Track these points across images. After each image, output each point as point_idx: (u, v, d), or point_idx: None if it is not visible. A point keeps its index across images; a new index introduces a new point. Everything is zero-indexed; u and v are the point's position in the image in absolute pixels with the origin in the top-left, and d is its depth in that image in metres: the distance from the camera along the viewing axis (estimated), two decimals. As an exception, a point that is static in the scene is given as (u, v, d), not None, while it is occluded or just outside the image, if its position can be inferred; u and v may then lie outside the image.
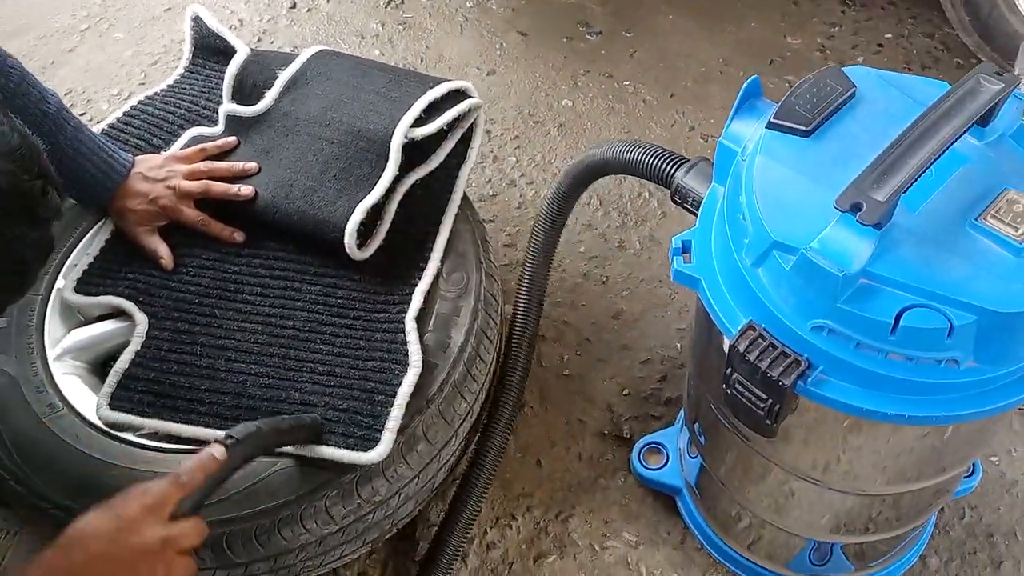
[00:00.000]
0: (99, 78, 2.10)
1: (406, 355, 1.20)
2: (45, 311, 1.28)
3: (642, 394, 1.49)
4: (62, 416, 1.15)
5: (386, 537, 1.28)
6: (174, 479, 0.89)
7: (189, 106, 1.51)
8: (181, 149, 1.39)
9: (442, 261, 1.32)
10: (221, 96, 1.46)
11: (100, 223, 1.36)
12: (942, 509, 1.34)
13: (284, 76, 1.42)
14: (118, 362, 1.20)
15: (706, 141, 1.85)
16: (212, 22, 1.57)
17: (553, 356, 1.55)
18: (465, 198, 1.42)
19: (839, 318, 0.74)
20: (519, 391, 1.37)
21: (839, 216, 0.73)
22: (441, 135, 1.39)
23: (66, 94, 2.05)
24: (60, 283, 1.30)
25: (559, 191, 1.32)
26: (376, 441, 1.12)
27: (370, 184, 1.29)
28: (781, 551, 1.20)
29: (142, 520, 0.85)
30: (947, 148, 0.73)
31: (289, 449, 1.11)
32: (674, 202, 1.05)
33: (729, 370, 0.83)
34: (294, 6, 2.23)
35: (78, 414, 1.16)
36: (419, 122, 1.32)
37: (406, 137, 1.30)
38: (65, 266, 1.32)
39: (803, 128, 0.81)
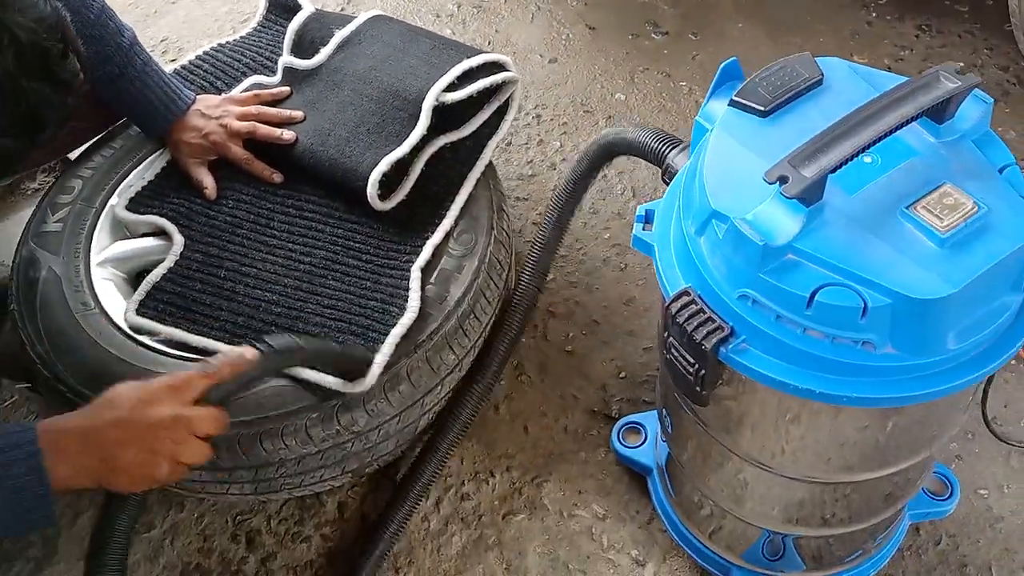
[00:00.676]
0: (194, 30, 2.26)
1: (406, 300, 1.27)
2: (96, 223, 1.41)
3: (638, 379, 1.52)
4: (93, 314, 1.28)
5: (366, 471, 1.36)
6: (202, 367, 0.97)
7: (255, 56, 1.63)
8: (240, 93, 1.51)
9: (456, 221, 1.39)
10: (283, 49, 1.57)
11: (158, 152, 1.48)
12: (917, 530, 1.32)
13: (340, 35, 1.52)
14: (151, 274, 1.31)
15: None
16: (290, -18, 1.69)
17: (559, 332, 1.59)
18: (491, 167, 1.49)
19: (761, 288, 0.77)
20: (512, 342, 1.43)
21: (776, 192, 0.76)
22: (477, 105, 1.47)
23: (162, 41, 2.23)
24: (114, 200, 1.43)
25: (576, 171, 1.37)
26: (362, 373, 1.20)
27: (399, 140, 1.37)
28: (739, 542, 1.22)
29: (164, 397, 0.93)
30: (886, 136, 0.74)
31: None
32: (664, 181, 1.09)
33: (666, 334, 0.87)
34: (378, -18, 2.34)
35: (106, 314, 1.28)
36: (452, 87, 1.39)
37: (437, 100, 1.37)
38: (121, 186, 1.45)
39: (761, 108, 0.84)
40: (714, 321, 0.80)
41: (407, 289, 1.29)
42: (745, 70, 0.95)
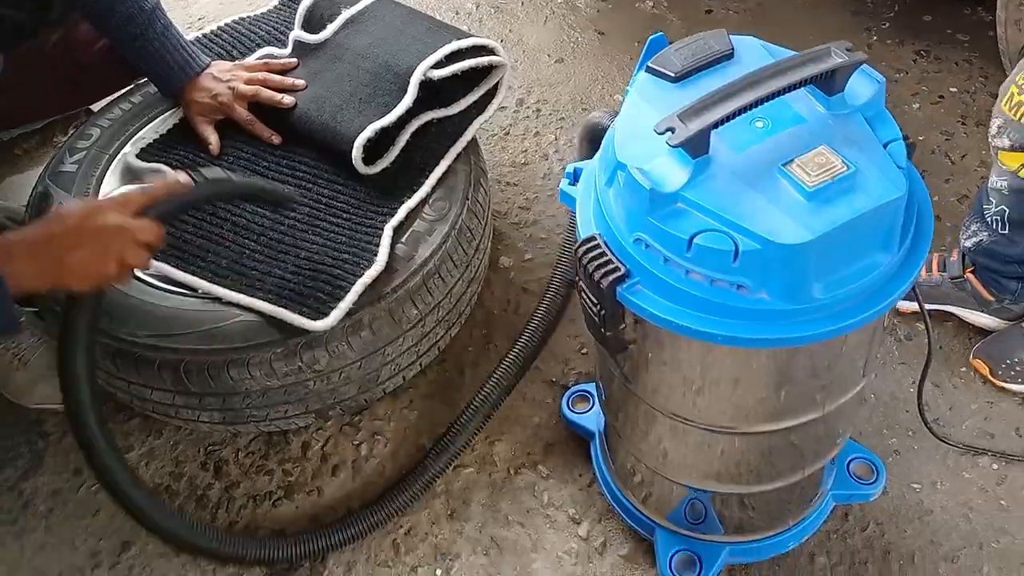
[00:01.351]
0: (230, 9, 2.41)
1: (375, 254, 1.37)
2: (108, 168, 1.55)
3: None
4: (93, 245, 1.40)
5: (329, 413, 1.45)
6: (141, 188, 1.09)
7: (271, 30, 1.76)
8: (251, 61, 1.64)
9: (433, 189, 1.49)
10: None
11: (172, 111, 1.62)
12: (846, 516, 1.37)
13: (347, 13, 1.64)
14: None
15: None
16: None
17: (531, 307, 1.67)
18: (475, 144, 1.59)
19: (652, 232, 0.85)
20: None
21: (671, 147, 0.84)
22: (467, 87, 1.58)
23: (199, 19, 2.38)
24: (127, 149, 1.56)
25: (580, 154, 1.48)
26: (325, 315, 1.30)
27: (387, 110, 1.47)
28: (665, 504, 1.28)
29: (109, 209, 1.06)
30: (769, 98, 0.82)
31: (252, 305, 1.31)
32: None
33: (578, 278, 0.95)
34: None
35: (105, 246, 1.40)
36: (441, 65, 1.50)
37: (425, 76, 1.48)
38: (135, 138, 1.59)
39: (672, 75, 0.92)
40: (612, 263, 0.88)
41: (378, 245, 1.39)
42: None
